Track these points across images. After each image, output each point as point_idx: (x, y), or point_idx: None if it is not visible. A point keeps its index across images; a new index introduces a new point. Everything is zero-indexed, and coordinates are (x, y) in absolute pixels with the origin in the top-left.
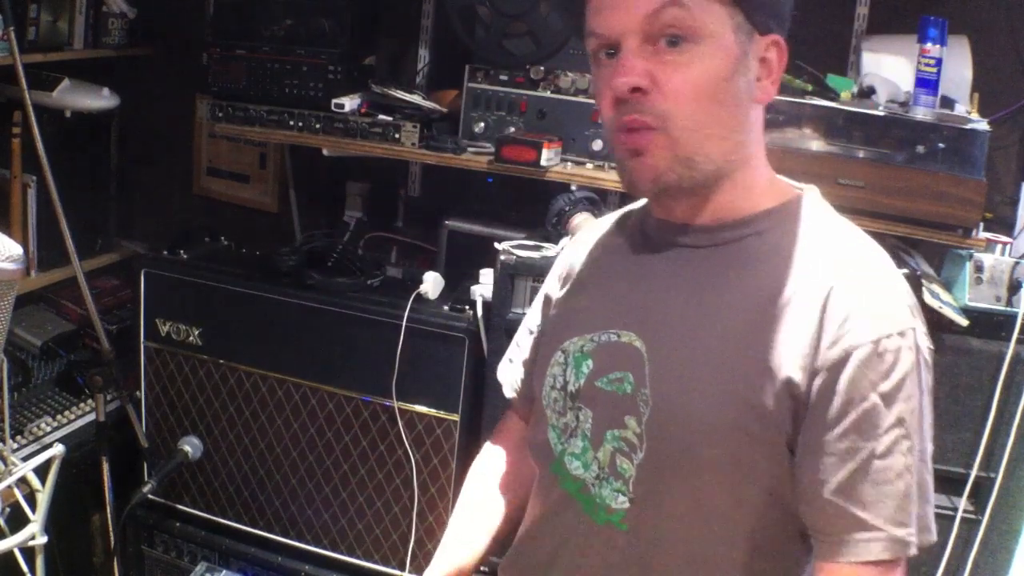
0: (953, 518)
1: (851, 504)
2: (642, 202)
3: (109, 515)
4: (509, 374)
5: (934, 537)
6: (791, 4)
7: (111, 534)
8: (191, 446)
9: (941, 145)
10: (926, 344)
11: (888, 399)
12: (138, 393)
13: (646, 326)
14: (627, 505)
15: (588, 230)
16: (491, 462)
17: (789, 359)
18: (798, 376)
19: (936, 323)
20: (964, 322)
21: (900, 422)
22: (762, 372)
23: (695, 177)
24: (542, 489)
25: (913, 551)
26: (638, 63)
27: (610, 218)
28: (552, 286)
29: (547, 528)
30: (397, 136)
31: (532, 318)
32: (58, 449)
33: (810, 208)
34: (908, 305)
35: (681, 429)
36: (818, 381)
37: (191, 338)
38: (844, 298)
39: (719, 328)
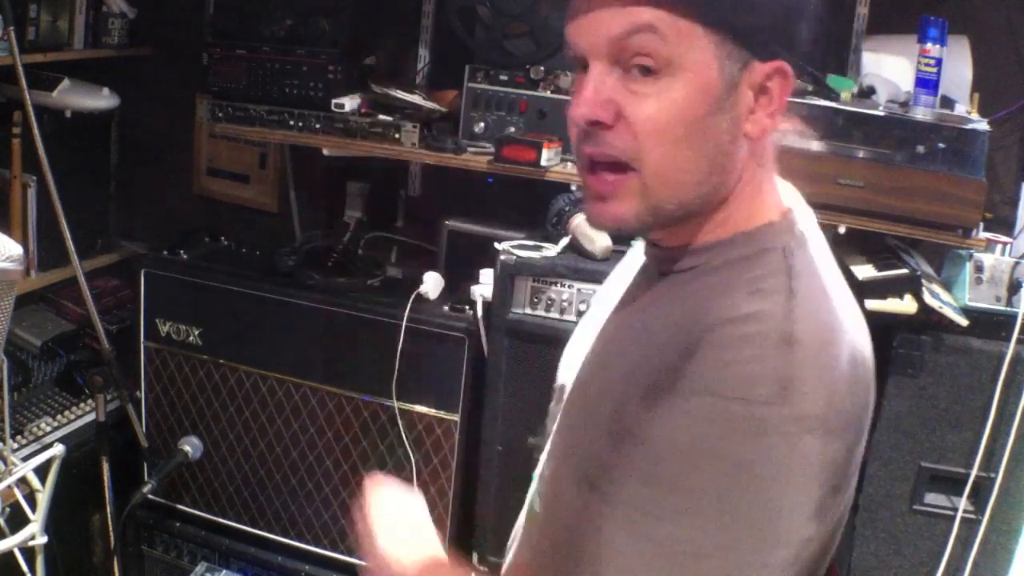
0: (953, 518)
1: None
2: None
3: (109, 515)
4: None
5: None
6: (805, 17)
7: (111, 534)
8: (191, 446)
9: (941, 145)
10: (790, 427)
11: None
12: (138, 393)
13: (587, 351)
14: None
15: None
16: None
17: (641, 385)
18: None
19: (936, 323)
20: (964, 322)
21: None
22: (617, 422)
23: (661, 222)
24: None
25: None
26: (603, 91)
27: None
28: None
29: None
30: (397, 136)
31: None
32: (58, 449)
33: (776, 239)
34: (780, 377)
35: (564, 442)
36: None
37: (191, 338)
38: (708, 347)
39: (623, 364)
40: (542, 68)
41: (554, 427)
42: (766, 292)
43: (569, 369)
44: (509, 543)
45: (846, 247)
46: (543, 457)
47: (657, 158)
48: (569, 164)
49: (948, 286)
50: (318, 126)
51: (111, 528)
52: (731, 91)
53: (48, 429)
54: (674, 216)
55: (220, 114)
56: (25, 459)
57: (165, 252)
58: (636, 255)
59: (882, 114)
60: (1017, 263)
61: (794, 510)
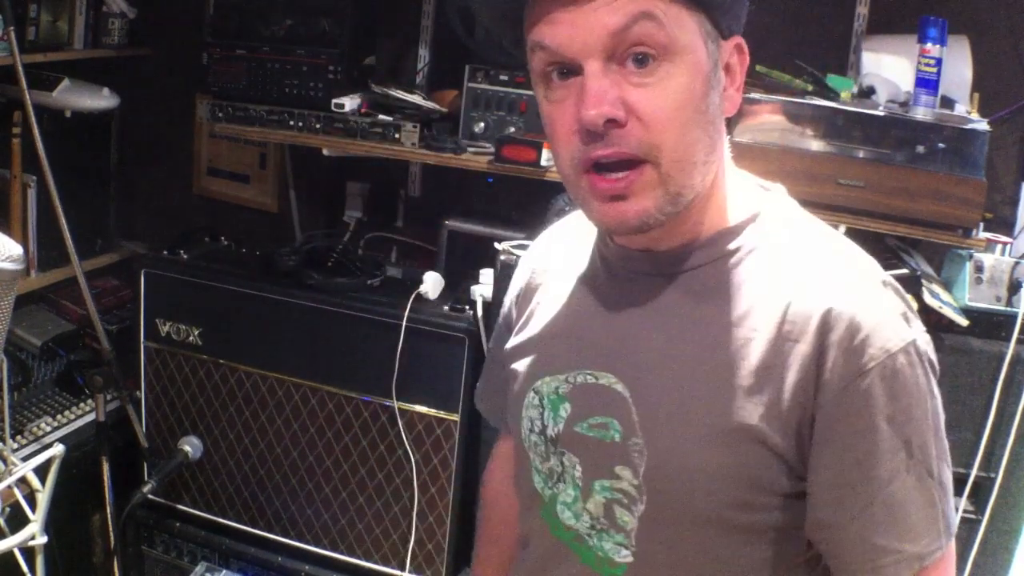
0: None
1: (870, 533)
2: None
3: (109, 515)
4: (489, 409)
5: (956, 525)
6: (745, 2)
7: (111, 534)
8: (191, 446)
9: (941, 145)
10: (926, 347)
11: (894, 422)
12: (138, 393)
13: (624, 367)
14: (630, 559)
15: (541, 248)
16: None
17: (792, 389)
18: (804, 405)
19: (936, 323)
20: (964, 322)
21: (907, 443)
22: (764, 406)
23: (678, 211)
24: (532, 532)
25: (939, 554)
26: (608, 88)
27: (563, 233)
28: (510, 311)
29: None
30: (397, 136)
31: (494, 344)
32: (58, 449)
33: (780, 214)
34: (901, 313)
35: (682, 481)
36: (821, 413)
37: (191, 338)
38: (841, 322)
39: (707, 366)
40: None
41: (632, 476)
42: (828, 234)
43: (551, 412)
44: None
45: None
46: (566, 511)
47: (672, 145)
48: None
49: (948, 286)
50: (318, 126)
51: (111, 528)
52: (715, 70)
53: (48, 429)
54: (687, 203)
55: (220, 114)
56: (25, 459)
57: (165, 252)
58: (533, 270)
59: (882, 114)
60: (1017, 263)
61: None
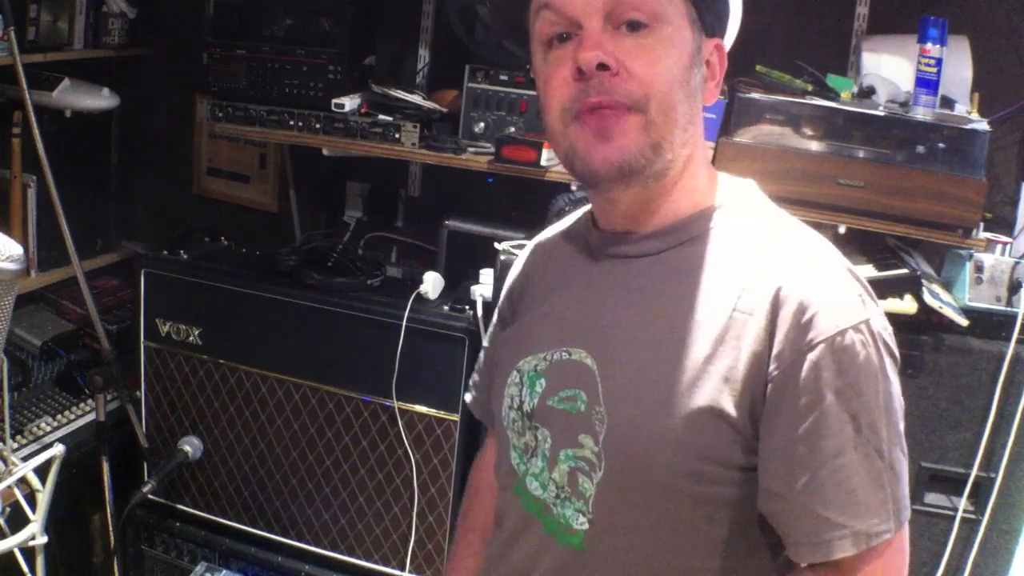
0: (953, 518)
1: (816, 505)
2: (579, 214)
3: (109, 515)
4: (477, 403)
5: (908, 513)
6: (728, 10)
7: (111, 534)
8: (191, 446)
9: (941, 145)
10: (881, 328)
11: (843, 397)
12: (138, 393)
13: (595, 342)
14: (586, 526)
15: (535, 246)
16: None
17: (745, 364)
18: (756, 379)
19: (936, 323)
20: (964, 322)
21: (855, 418)
22: (720, 380)
23: (657, 165)
24: (505, 509)
25: (887, 536)
26: (604, 43)
27: (555, 231)
28: (505, 307)
29: (512, 549)
30: (397, 136)
31: (488, 343)
32: (58, 449)
33: (748, 204)
34: (858, 294)
35: (639, 446)
36: (772, 385)
37: (191, 338)
38: (793, 298)
39: (671, 339)
40: None
41: (593, 444)
42: (791, 221)
43: (528, 388)
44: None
45: (846, 247)
46: (534, 481)
47: (660, 97)
48: None
49: (948, 286)
50: (318, 126)
51: (111, 528)
52: (697, 53)
53: (48, 429)
54: (666, 160)
55: (220, 114)
56: (25, 459)
57: (165, 252)
58: (524, 269)
59: (882, 114)
60: (1017, 263)
61: None
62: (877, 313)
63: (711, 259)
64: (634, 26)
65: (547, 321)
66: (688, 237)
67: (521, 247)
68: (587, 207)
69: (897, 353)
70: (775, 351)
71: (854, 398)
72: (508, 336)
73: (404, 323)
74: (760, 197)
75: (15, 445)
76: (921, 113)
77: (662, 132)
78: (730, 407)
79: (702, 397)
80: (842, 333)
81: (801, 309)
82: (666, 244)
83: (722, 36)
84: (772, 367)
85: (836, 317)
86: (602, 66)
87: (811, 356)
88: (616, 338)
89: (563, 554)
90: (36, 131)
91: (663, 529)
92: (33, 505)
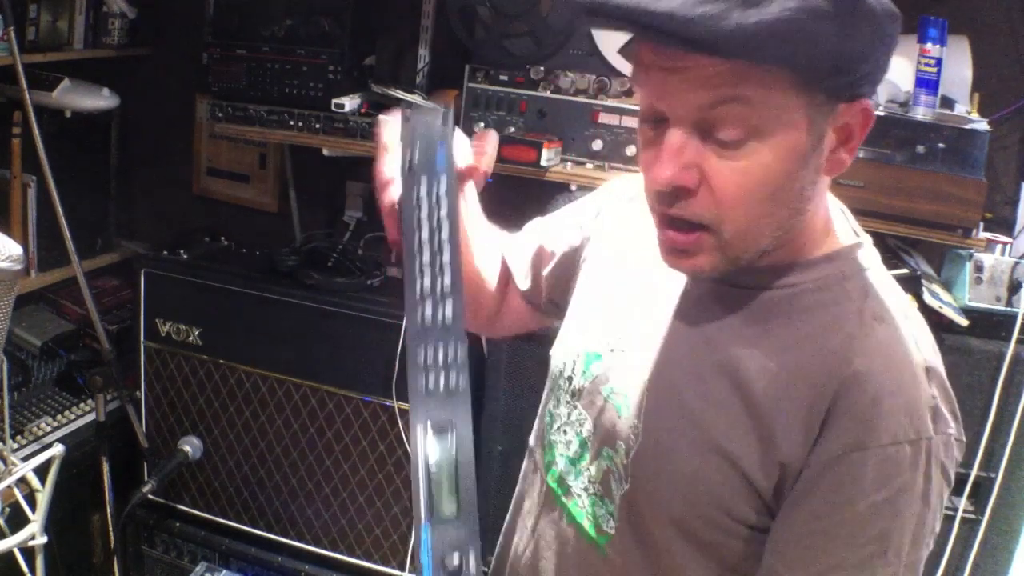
0: (953, 518)
1: None
2: None
3: (109, 515)
4: (524, 252)
5: None
6: (888, 54)
7: (111, 534)
8: (191, 446)
9: (941, 145)
10: (940, 451)
11: (878, 512)
12: (138, 393)
13: (654, 351)
14: (613, 533)
15: (615, 199)
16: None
17: (789, 437)
18: (794, 457)
19: (936, 323)
20: (964, 322)
21: (882, 538)
22: (757, 441)
23: (741, 266)
24: (530, 470)
25: None
26: (686, 155)
27: (638, 191)
28: (588, 223)
29: (534, 528)
30: None
31: (570, 228)
32: (58, 449)
33: (859, 263)
34: (931, 407)
35: (662, 477)
36: (809, 470)
37: (191, 338)
38: (860, 388)
39: (725, 383)
40: (542, 68)
41: (624, 455)
42: (897, 299)
43: (583, 364)
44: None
45: None
46: (563, 459)
47: (736, 221)
48: (569, 164)
49: (948, 286)
50: (318, 126)
51: (111, 528)
52: (818, 142)
53: (48, 429)
54: (750, 260)
55: (220, 114)
56: (25, 459)
57: (165, 252)
58: (616, 218)
59: (882, 114)
60: (1017, 263)
61: None
62: (944, 432)
63: (800, 315)
64: (725, 144)
65: (617, 305)
66: (785, 284)
67: None
68: None
69: (952, 477)
70: (824, 435)
71: (890, 517)
72: (581, 288)
73: (404, 323)
74: (874, 258)
75: (15, 445)
76: (921, 113)
77: (739, 249)
78: (759, 474)
79: (736, 451)
80: (898, 446)
81: (865, 405)
82: (751, 283)
83: (874, 91)
84: (815, 452)
85: (898, 427)
86: (679, 187)
87: (857, 458)
88: (676, 359)
89: (589, 552)
90: (36, 131)
91: (671, 559)
92: (33, 505)
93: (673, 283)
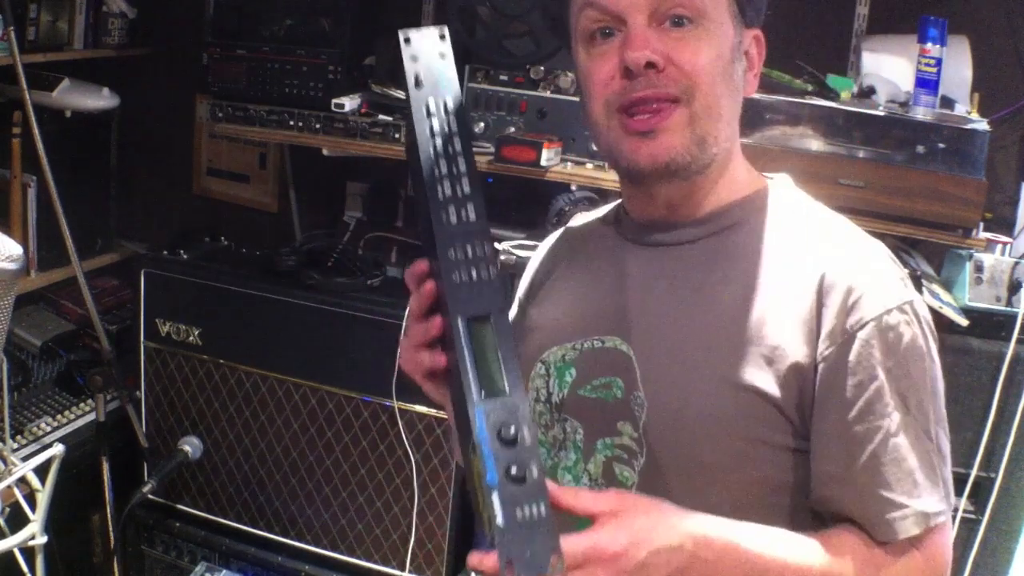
0: (953, 518)
1: (878, 486)
2: (606, 209)
3: (109, 515)
4: None
5: (953, 499)
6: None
7: (111, 534)
8: (191, 446)
9: (941, 145)
10: (923, 310)
11: (892, 376)
12: (138, 393)
13: (630, 329)
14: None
15: (562, 234)
16: None
17: (792, 345)
18: (804, 361)
19: (936, 323)
20: (964, 322)
21: (904, 399)
22: (764, 361)
23: (702, 160)
24: None
25: (943, 518)
26: (649, 39)
27: (584, 220)
28: (525, 295)
29: None
30: (397, 136)
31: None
32: (58, 449)
33: (784, 194)
34: (900, 278)
35: (684, 429)
36: (824, 366)
37: (191, 338)
38: (838, 282)
39: (711, 324)
40: (542, 68)
41: (632, 430)
42: (827, 211)
43: (556, 379)
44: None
45: None
46: (566, 475)
47: (704, 90)
48: (569, 164)
49: (948, 286)
50: (318, 126)
51: (111, 528)
52: (739, 46)
53: (48, 429)
54: (710, 154)
55: (220, 114)
56: (25, 459)
57: (165, 252)
58: (545, 258)
59: (882, 114)
60: (1017, 263)
61: None
62: (918, 296)
63: (752, 246)
64: (678, 21)
65: (575, 310)
66: (728, 224)
67: (522, 247)
68: (616, 201)
69: (936, 336)
70: (824, 332)
71: (903, 378)
72: (530, 325)
73: (404, 323)
74: (792, 188)
75: (15, 445)
76: (921, 113)
77: (706, 127)
78: (775, 389)
79: (746, 379)
80: (888, 313)
81: (847, 292)
82: (705, 232)
83: (760, 25)
84: (822, 348)
85: (881, 298)
86: (650, 64)
87: (861, 335)
88: (653, 324)
89: None
90: (36, 131)
91: (703, 511)
92: (33, 505)
93: (623, 263)
